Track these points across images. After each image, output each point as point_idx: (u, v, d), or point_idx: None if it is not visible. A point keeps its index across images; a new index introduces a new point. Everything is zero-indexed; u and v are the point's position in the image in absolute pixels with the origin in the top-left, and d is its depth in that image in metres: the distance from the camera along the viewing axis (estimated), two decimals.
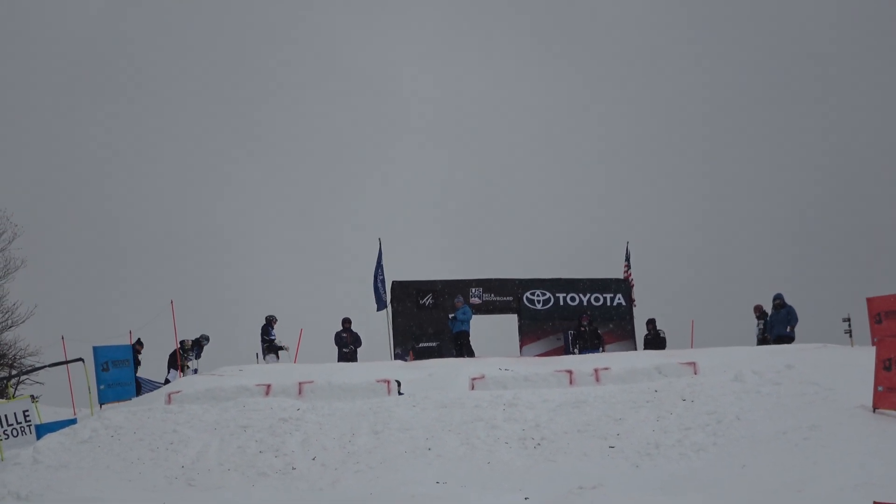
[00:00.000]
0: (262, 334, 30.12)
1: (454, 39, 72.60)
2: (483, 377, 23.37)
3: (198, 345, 30.14)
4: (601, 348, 29.70)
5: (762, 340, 28.36)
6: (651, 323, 31.09)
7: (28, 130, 65.63)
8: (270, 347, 29.84)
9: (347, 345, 29.89)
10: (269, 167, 69.83)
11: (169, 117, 69.69)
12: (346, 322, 30.20)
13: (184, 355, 29.36)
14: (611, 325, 31.46)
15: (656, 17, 69.83)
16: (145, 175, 67.12)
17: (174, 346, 29.27)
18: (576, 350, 29.69)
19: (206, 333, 30.59)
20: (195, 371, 29.51)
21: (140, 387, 27.48)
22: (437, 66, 73.39)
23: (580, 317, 30.36)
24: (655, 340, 30.55)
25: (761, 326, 28.61)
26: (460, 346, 29.05)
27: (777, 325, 27.82)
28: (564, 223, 65.22)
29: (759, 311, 28.83)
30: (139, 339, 29.06)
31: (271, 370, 26.03)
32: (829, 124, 65.99)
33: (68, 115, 67.70)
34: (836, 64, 66.63)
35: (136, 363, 28.61)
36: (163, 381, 28.54)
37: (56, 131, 66.44)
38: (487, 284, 31.89)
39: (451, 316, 29.57)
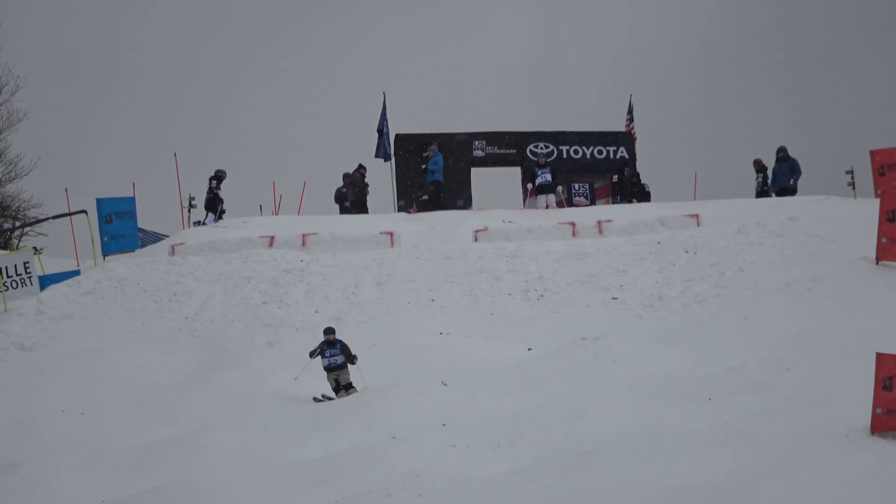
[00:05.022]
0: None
1: None
2: (486, 229, 23.31)
3: (218, 179, 29.62)
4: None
5: (760, 194, 28.21)
6: (636, 177, 30.60)
7: None
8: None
9: (347, 200, 29.55)
10: (274, 20, 68.71)
11: None
12: (346, 177, 29.85)
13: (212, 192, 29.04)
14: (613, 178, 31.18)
15: None
16: (150, 26, 65.97)
17: (177, 197, 29.08)
18: (618, 198, 29.14)
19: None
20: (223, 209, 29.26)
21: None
22: None
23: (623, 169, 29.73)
24: (641, 194, 30.07)
25: (760, 180, 28.41)
26: (435, 196, 28.33)
27: (780, 178, 27.62)
28: (568, 75, 64.48)
29: (759, 165, 28.61)
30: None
31: (275, 222, 25.86)
32: None
33: None
34: None
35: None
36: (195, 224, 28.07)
37: None
38: (490, 137, 31.55)
39: (422, 167, 28.99)
